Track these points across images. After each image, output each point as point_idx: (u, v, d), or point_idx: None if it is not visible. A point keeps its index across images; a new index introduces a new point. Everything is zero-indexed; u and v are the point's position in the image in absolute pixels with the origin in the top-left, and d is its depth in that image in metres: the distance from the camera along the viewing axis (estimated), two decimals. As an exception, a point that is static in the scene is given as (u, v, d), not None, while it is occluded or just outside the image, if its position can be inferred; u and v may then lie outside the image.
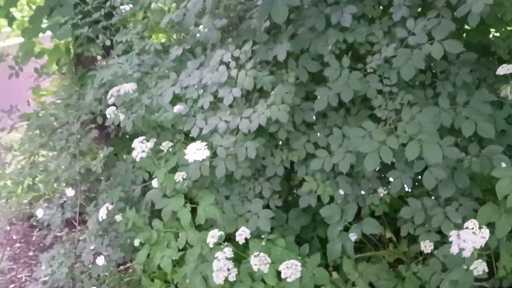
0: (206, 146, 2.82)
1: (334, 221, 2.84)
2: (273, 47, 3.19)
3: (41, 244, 4.48)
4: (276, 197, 3.25)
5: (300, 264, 2.12)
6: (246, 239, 2.61)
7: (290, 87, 2.96)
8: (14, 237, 4.51)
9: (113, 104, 3.11)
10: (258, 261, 2.14)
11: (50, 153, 3.52)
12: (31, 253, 4.29)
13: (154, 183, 3.22)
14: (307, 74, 3.16)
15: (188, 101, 3.37)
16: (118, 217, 3.04)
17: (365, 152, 2.48)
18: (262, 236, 2.87)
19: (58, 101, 4.16)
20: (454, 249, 2.17)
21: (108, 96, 3.12)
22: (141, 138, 3.31)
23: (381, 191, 2.90)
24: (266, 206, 3.20)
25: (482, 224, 2.42)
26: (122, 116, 3.17)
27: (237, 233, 2.32)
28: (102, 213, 2.99)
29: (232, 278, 2.13)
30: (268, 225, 2.98)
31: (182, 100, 3.52)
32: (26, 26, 4.74)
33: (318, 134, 3.11)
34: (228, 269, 2.13)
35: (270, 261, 2.13)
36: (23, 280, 3.87)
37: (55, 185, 3.58)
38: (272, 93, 3.05)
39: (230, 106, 3.19)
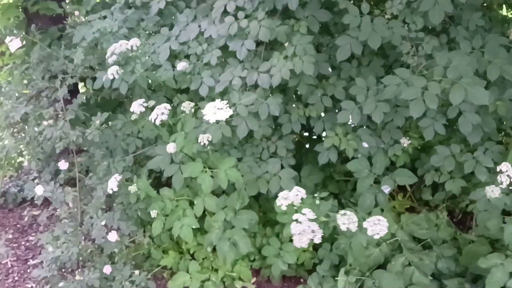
0: (228, 105, 2.59)
1: (363, 175, 2.76)
2: (279, -6, 2.97)
3: (18, 226, 4.08)
4: (290, 155, 3.11)
5: (386, 220, 2.01)
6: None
7: (309, 38, 2.77)
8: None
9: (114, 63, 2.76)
10: (347, 220, 2.00)
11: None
12: (10, 236, 3.88)
13: (166, 148, 2.97)
14: (318, 23, 2.99)
15: (191, 57, 3.09)
16: (133, 188, 2.76)
17: (408, 100, 2.38)
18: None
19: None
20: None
21: (108, 54, 2.77)
22: (140, 100, 3.02)
23: (404, 141, 2.84)
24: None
25: (515, 166, 2.44)
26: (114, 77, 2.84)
27: (291, 193, 2.17)
28: (112, 185, 2.71)
29: (318, 240, 1.98)
30: (292, 184, 2.83)
31: (179, 57, 3.24)
32: (-31, -18, 4.14)
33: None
34: (313, 231, 1.97)
35: (357, 220, 2.00)
36: (9, 266, 3.50)
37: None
38: (287, 44, 2.84)
39: (240, 61, 2.97)
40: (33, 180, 4.53)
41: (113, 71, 2.72)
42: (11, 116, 3.13)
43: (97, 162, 3.13)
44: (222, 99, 2.84)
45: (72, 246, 2.70)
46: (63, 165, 3.02)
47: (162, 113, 2.59)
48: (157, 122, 2.61)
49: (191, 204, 2.99)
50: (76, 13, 3.42)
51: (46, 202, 4.37)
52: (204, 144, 2.58)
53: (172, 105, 3.59)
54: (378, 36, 2.63)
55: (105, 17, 3.42)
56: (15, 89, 3.26)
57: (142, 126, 3.38)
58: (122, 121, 3.40)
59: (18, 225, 4.08)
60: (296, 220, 2.04)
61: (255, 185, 2.90)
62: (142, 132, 3.39)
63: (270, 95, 2.93)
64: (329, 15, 3.00)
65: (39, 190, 2.76)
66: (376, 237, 1.98)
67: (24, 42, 4.32)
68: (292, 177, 2.89)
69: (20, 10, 4.38)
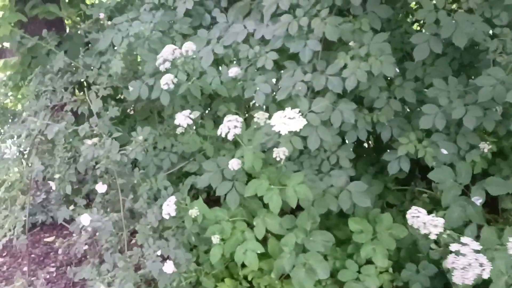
0: (301, 113, 2.28)
1: (447, 185, 2.49)
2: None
3: (32, 256, 3.65)
4: (350, 166, 2.82)
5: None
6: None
7: (384, 35, 2.50)
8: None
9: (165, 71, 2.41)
10: None
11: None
12: (25, 268, 3.45)
13: (215, 164, 2.65)
14: (379, 20, 2.73)
15: (241, 62, 2.78)
16: (194, 211, 2.41)
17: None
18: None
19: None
20: None
21: (160, 61, 2.42)
22: (186, 112, 2.69)
23: (484, 146, 2.60)
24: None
25: None
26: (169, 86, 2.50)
27: (410, 213, 1.87)
28: (169, 209, 2.36)
29: (487, 275, 1.68)
30: (367, 199, 2.57)
31: (225, 62, 2.93)
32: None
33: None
34: (481, 265, 1.68)
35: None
36: (32, 304, 3.08)
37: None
38: (352, 43, 2.57)
39: (298, 64, 2.67)
40: (41, 204, 4.12)
41: (167, 80, 2.37)
42: (33, 134, 2.75)
43: (129, 181, 2.76)
44: (280, 107, 2.59)
45: (126, 282, 2.33)
46: (100, 187, 2.65)
47: (235, 127, 2.25)
48: (230, 137, 2.26)
49: (248, 225, 2.68)
50: (101, 15, 3.05)
51: (60, 226, 4.00)
52: (281, 159, 2.26)
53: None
54: (463, 33, 2.38)
55: (134, 19, 3.06)
56: (35, 103, 2.87)
57: (176, 140, 3.07)
58: (153, 134, 3.06)
59: (33, 255, 3.66)
60: (457, 252, 1.74)
61: (323, 202, 2.60)
62: (177, 146, 3.08)
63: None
64: (391, 11, 2.76)
65: (85, 220, 2.37)
66: None
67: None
68: (364, 190, 2.60)
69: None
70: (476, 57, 2.90)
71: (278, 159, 2.27)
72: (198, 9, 3.25)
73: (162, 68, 2.43)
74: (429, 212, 2.96)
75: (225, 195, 2.65)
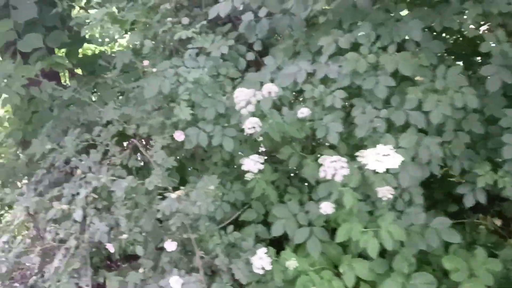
0: (395, 150, 2.21)
1: (534, 214, 2.46)
2: (392, 26, 2.73)
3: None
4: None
5: None
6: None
7: (458, 68, 2.52)
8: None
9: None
10: None
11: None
12: None
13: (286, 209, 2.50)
14: (434, 55, 2.76)
15: (306, 101, 2.69)
16: (292, 263, 2.21)
17: None
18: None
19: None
20: None
21: (241, 105, 2.28)
22: (254, 156, 2.55)
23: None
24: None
25: None
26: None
27: None
28: (263, 263, 2.16)
29: None
30: (457, 235, 2.49)
31: (282, 103, 2.83)
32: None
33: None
34: None
35: None
36: None
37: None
38: (419, 78, 2.57)
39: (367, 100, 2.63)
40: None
41: (253, 124, 2.23)
42: (87, 192, 2.49)
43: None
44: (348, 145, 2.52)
45: None
46: (169, 245, 2.41)
47: (342, 167, 2.12)
48: (338, 179, 2.12)
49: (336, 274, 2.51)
50: (145, 62, 2.89)
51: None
52: (388, 198, 2.15)
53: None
54: (538, 64, 2.44)
55: (179, 65, 2.94)
56: (85, 157, 2.62)
57: (225, 187, 2.93)
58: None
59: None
60: None
61: (411, 241, 2.49)
62: (228, 195, 2.93)
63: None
64: (443, 46, 2.81)
65: (176, 283, 2.11)
66: None
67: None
68: (449, 226, 2.52)
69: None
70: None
71: (385, 198, 2.15)
72: (232, 53, 3.19)
73: (244, 111, 2.29)
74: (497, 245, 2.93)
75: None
